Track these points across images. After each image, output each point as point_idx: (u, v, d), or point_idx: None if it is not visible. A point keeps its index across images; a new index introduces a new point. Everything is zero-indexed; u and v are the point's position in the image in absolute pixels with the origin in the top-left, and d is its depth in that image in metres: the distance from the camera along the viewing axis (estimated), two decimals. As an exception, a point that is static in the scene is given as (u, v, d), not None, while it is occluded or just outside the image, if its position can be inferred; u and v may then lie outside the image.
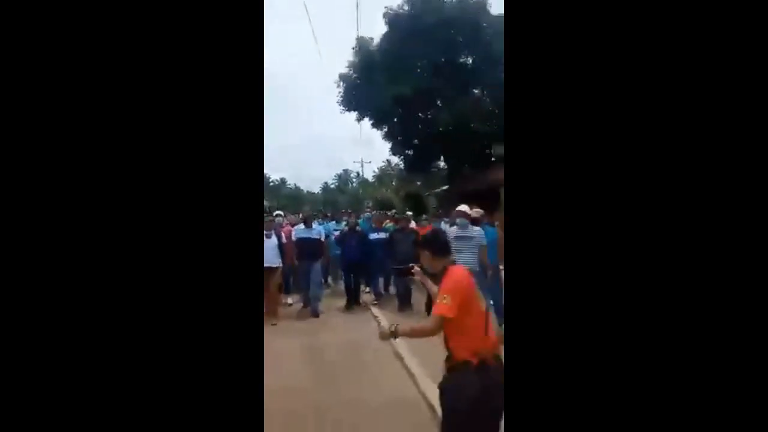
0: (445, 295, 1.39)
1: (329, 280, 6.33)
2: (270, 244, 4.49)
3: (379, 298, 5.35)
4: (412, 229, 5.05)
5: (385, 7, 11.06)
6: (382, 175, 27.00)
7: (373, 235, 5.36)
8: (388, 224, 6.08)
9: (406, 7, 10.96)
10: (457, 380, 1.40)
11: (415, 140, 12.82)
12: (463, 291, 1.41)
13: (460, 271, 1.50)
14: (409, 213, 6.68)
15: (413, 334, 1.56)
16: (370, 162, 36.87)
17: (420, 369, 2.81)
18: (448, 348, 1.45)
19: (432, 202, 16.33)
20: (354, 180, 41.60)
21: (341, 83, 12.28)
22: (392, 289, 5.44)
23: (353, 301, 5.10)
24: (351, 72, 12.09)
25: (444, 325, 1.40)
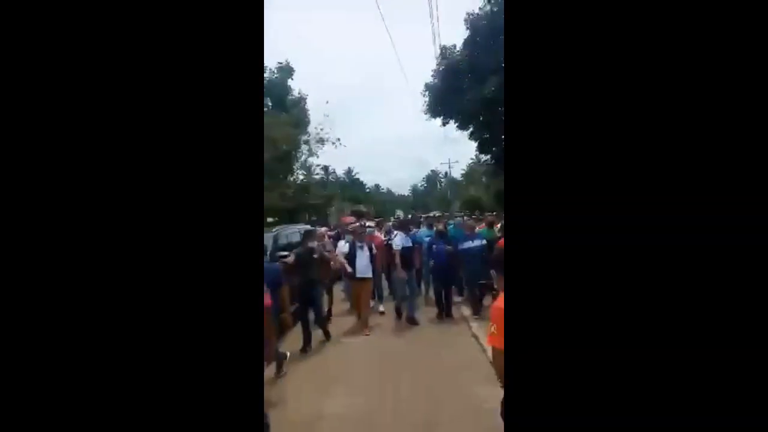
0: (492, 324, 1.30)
1: (422, 286, 5.86)
2: (363, 255, 4.51)
3: (479, 312, 4.67)
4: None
5: (467, 13, 11.52)
6: (472, 173, 26.65)
7: (466, 245, 4.69)
8: (482, 228, 5.33)
9: (487, 7, 11.24)
10: None
11: (502, 136, 12.84)
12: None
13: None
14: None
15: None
16: (457, 162, 36.78)
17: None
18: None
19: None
20: (442, 180, 41.55)
21: (427, 93, 13.10)
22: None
23: (444, 313, 4.83)
24: (435, 80, 12.81)
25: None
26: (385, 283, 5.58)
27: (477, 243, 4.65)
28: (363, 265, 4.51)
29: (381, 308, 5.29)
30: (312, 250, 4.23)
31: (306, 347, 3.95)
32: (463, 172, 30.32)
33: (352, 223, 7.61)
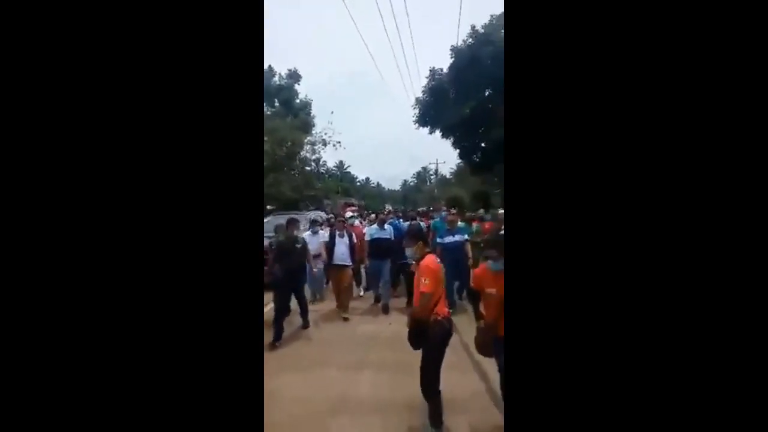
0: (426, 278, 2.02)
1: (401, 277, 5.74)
2: (341, 243, 4.69)
3: (453, 306, 4.31)
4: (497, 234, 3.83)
5: (451, 46, 13.81)
6: (460, 172, 28.79)
7: (448, 239, 4.55)
8: (461, 224, 5.13)
9: (469, 41, 13.52)
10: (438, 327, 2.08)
11: (482, 145, 15.20)
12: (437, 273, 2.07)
13: (432, 258, 2.13)
14: (481, 210, 6.54)
15: (416, 313, 2.10)
16: (444, 162, 38.85)
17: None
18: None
19: (498, 199, 18.32)
20: (432, 177, 43.61)
21: (417, 106, 15.36)
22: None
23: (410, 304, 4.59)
24: (425, 96, 15.08)
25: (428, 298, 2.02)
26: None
27: (458, 238, 4.55)
28: (341, 253, 4.69)
29: (361, 293, 5.59)
30: (295, 239, 4.17)
31: (275, 342, 3.66)
32: (452, 171, 32.59)
33: (353, 211, 8.78)
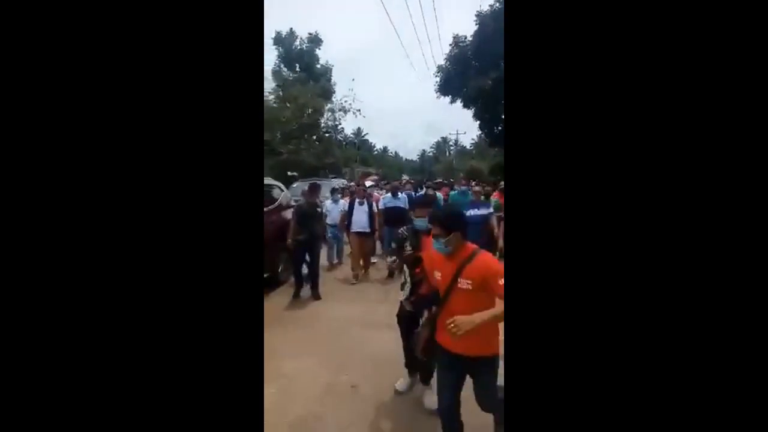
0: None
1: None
2: (361, 211, 4.83)
3: None
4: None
5: (476, 11, 13.37)
6: (480, 143, 28.29)
7: (472, 212, 4.22)
8: (494, 199, 4.92)
9: (496, 5, 13.06)
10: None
11: (503, 117, 15.05)
12: None
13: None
14: (502, 183, 6.11)
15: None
16: (465, 133, 38.00)
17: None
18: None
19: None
20: (452, 147, 43.02)
21: (439, 74, 15.16)
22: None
23: None
24: (447, 64, 14.83)
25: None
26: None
27: (483, 211, 4.20)
28: (361, 220, 4.82)
29: (374, 259, 5.62)
30: (316, 205, 4.20)
31: (298, 293, 4.09)
32: (473, 142, 32.03)
33: (372, 180, 9.04)
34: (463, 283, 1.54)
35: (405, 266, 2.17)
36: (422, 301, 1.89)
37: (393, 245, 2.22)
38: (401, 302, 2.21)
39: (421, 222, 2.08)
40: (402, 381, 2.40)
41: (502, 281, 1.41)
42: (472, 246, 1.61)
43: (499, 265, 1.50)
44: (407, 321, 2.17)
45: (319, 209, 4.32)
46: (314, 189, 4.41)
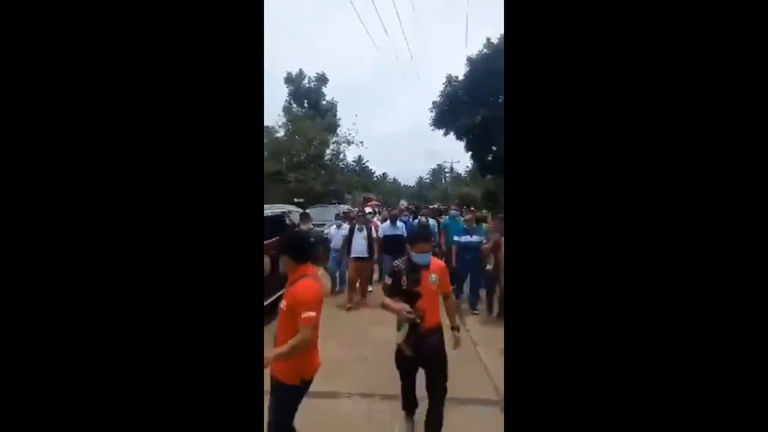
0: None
1: None
2: (360, 237, 4.80)
3: (475, 306, 4.60)
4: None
5: (467, 57, 15.18)
6: (475, 171, 29.66)
7: (464, 238, 4.60)
8: (486, 225, 5.11)
9: (485, 51, 14.81)
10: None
11: (493, 148, 16.50)
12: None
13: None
14: (484, 211, 7.04)
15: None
16: (458, 162, 39.69)
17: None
18: None
19: (507, 199, 19.39)
20: (447, 174, 44.47)
21: (434, 109, 16.78)
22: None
23: None
24: (441, 100, 16.49)
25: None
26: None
27: (476, 238, 4.55)
28: (360, 246, 4.87)
29: (370, 288, 5.49)
30: (307, 233, 4.10)
31: None
32: (467, 169, 33.48)
33: (372, 206, 9.58)
34: (283, 305, 1.59)
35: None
36: (417, 342, 1.87)
37: (388, 279, 2.01)
38: (398, 345, 1.99)
39: (420, 257, 1.95)
40: (399, 429, 2.21)
41: (305, 313, 1.46)
42: (304, 271, 1.63)
43: (306, 295, 1.52)
44: (406, 365, 2.00)
45: (311, 239, 4.16)
46: (305, 217, 4.56)
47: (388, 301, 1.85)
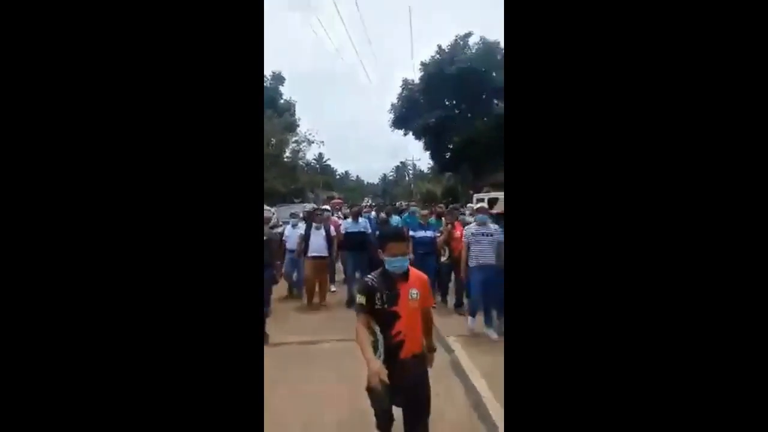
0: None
1: None
2: (318, 235, 4.71)
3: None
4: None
5: (421, 62, 15.93)
6: (436, 168, 30.65)
7: (419, 233, 4.81)
8: (432, 219, 5.22)
9: (437, 56, 15.60)
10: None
11: (450, 146, 17.37)
12: None
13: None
14: (441, 205, 6.98)
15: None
16: (420, 160, 40.69)
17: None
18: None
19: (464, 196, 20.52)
20: (410, 171, 45.33)
21: (393, 111, 17.40)
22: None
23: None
24: (399, 103, 17.14)
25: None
26: (340, 267, 5.66)
27: (430, 233, 4.77)
28: (318, 245, 4.76)
29: (333, 288, 5.48)
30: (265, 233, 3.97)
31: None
32: (429, 166, 34.47)
33: (335, 205, 9.17)
34: None
35: (376, 325, 1.58)
36: (401, 368, 1.49)
37: (356, 294, 1.61)
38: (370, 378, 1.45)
39: (395, 262, 1.56)
40: None
41: None
42: None
43: None
44: (380, 400, 1.52)
45: (265, 237, 3.94)
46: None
47: (364, 348, 1.47)
